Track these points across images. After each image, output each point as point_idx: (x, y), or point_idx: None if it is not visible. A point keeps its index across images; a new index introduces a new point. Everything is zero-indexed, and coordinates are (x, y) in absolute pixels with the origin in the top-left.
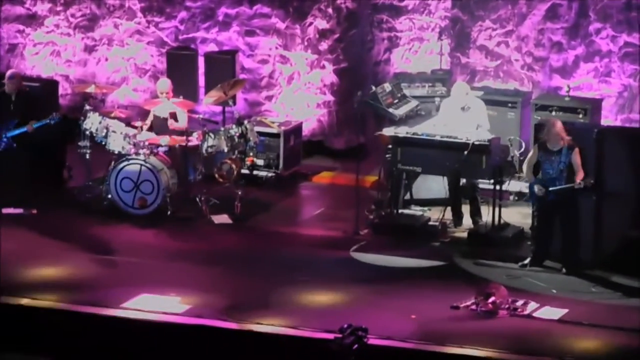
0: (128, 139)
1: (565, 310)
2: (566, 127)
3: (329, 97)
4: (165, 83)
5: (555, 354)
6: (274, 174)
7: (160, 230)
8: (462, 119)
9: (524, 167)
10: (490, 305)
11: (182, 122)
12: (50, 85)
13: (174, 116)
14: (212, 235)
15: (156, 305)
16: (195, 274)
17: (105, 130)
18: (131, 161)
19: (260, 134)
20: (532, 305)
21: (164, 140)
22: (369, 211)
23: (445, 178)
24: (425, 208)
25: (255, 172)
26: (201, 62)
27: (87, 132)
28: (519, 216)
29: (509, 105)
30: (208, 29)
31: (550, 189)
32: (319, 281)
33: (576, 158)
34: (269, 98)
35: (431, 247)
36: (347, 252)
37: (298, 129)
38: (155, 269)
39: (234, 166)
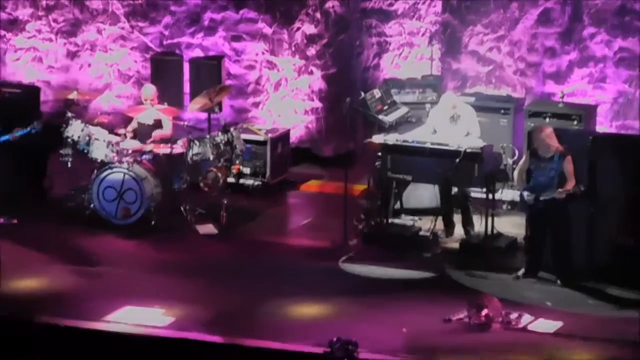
0: (111, 146)
1: (560, 323)
2: (557, 134)
3: (317, 104)
4: (149, 89)
5: None
6: (260, 183)
7: (144, 241)
8: (451, 128)
9: (515, 174)
10: (483, 318)
11: (167, 130)
12: (31, 92)
13: (158, 123)
14: (197, 246)
15: (140, 318)
16: (180, 286)
17: (87, 138)
18: (114, 169)
19: (246, 141)
20: (527, 317)
21: (148, 148)
22: (358, 221)
23: (437, 186)
24: (416, 218)
25: (241, 181)
26: (186, 68)
27: (69, 140)
28: (512, 226)
29: (502, 111)
30: (193, 34)
31: (541, 197)
32: (307, 293)
33: (568, 166)
34: (256, 104)
35: (422, 258)
36: (336, 263)
37: (285, 136)
38: (138, 280)
39: (219, 174)
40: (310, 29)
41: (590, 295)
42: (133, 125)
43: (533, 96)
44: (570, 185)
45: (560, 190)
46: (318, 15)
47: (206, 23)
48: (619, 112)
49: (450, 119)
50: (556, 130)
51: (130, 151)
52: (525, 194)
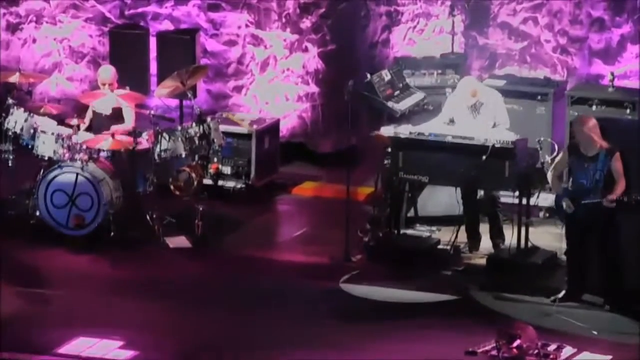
0: (61, 141)
1: (609, 357)
2: (605, 126)
3: (313, 88)
4: (107, 71)
5: None
6: (244, 185)
7: (101, 256)
8: (472, 119)
9: (549, 175)
10: (514, 350)
11: (129, 120)
12: None
13: (118, 112)
14: (166, 263)
15: (95, 351)
16: (145, 312)
17: (32, 130)
18: (65, 169)
19: (226, 134)
20: (568, 350)
21: (106, 142)
22: (363, 232)
23: (459, 190)
24: (434, 227)
25: (220, 183)
26: (153, 43)
27: (10, 133)
28: (550, 238)
29: (539, 97)
30: (161, 3)
31: (583, 202)
32: (300, 320)
33: (617, 165)
34: (238, 89)
35: (441, 276)
36: (336, 283)
37: (274, 128)
38: (94, 305)
39: (193, 175)
40: None
41: None
42: (88, 114)
43: (577, 79)
44: (620, 189)
45: (609, 197)
46: None
47: None
48: None
49: (471, 108)
50: (605, 120)
51: (84, 147)
52: (564, 201)
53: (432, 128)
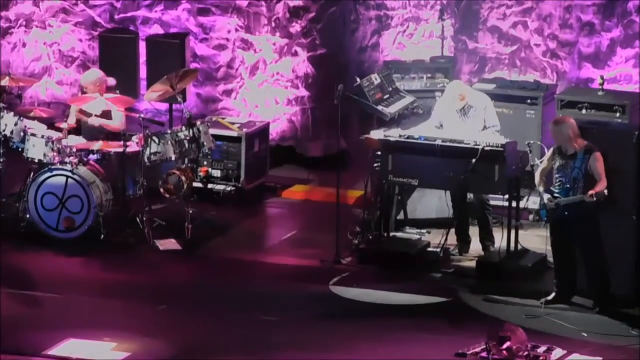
0: (51, 144)
1: (599, 359)
2: (589, 129)
3: (303, 92)
4: (92, 75)
5: None
6: (233, 188)
7: (92, 259)
8: (461, 122)
9: (536, 174)
10: (504, 352)
11: (117, 120)
12: None
13: (107, 115)
14: (156, 265)
15: (86, 353)
16: (135, 314)
17: (22, 134)
18: (55, 172)
19: (216, 137)
20: (558, 352)
21: (97, 145)
22: (353, 234)
23: (448, 193)
24: (423, 230)
25: (210, 186)
26: (142, 47)
27: (0, 136)
28: (540, 240)
29: (528, 101)
30: (151, 7)
31: (562, 201)
32: (290, 323)
33: (596, 164)
34: (228, 93)
35: (431, 279)
36: (326, 286)
37: (264, 131)
38: (84, 307)
39: (183, 178)
40: (294, 0)
41: (633, 325)
42: (71, 116)
43: (567, 82)
44: (600, 187)
45: (590, 192)
46: None
47: None
48: None
49: (460, 112)
50: (594, 124)
51: (74, 150)
52: (545, 197)
53: (421, 132)
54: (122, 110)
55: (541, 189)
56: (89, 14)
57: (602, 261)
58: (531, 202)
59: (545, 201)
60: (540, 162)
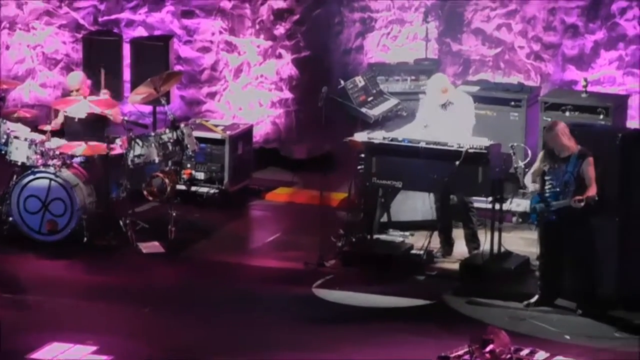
0: (34, 146)
1: None
2: (573, 131)
3: (287, 94)
4: (74, 78)
5: None
6: (217, 191)
7: (75, 262)
8: (442, 119)
9: (527, 178)
10: (487, 355)
11: (117, 115)
12: None
13: (92, 118)
14: (139, 268)
15: (69, 356)
16: (118, 317)
17: (5, 136)
18: (38, 175)
19: (200, 140)
20: (541, 354)
21: (80, 148)
22: (337, 237)
23: (432, 195)
24: (407, 233)
25: (193, 188)
26: (126, 50)
27: None
28: (523, 243)
29: (512, 103)
30: (135, 9)
31: (553, 205)
32: (274, 325)
33: (588, 169)
34: (212, 95)
35: (414, 281)
36: (309, 288)
37: (248, 134)
38: (67, 310)
39: (167, 181)
40: (278, 2)
41: (617, 327)
42: (58, 119)
43: (550, 85)
44: (592, 192)
45: (577, 197)
46: None
47: None
48: None
49: (442, 107)
50: (578, 126)
51: (57, 152)
52: (536, 202)
53: (406, 133)
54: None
55: (532, 188)
56: (73, 16)
57: (589, 264)
58: (514, 204)
59: (537, 207)
60: (526, 167)
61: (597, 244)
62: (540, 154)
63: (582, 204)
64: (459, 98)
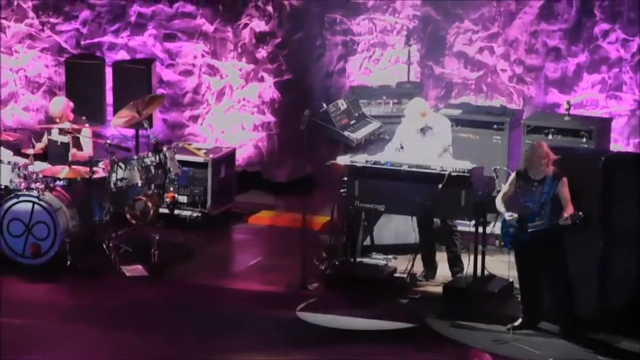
0: (17, 170)
1: None
2: (556, 153)
3: (269, 117)
4: (57, 105)
5: None
6: (200, 214)
7: (58, 285)
8: (422, 143)
9: (498, 199)
10: None
11: (87, 149)
12: None
13: (75, 141)
14: (122, 291)
15: None
16: (101, 341)
17: None
18: (21, 198)
19: (182, 163)
20: None
21: (63, 172)
22: (319, 260)
23: (415, 218)
24: (390, 256)
25: (176, 212)
26: (109, 73)
27: None
28: (505, 266)
29: (495, 126)
30: (117, 32)
31: (529, 228)
32: (257, 349)
33: (563, 190)
34: (194, 119)
35: (397, 304)
36: (293, 312)
37: (230, 157)
38: (51, 333)
39: (150, 204)
40: (260, 25)
41: (599, 351)
42: (42, 141)
43: (533, 108)
44: (569, 211)
45: (565, 215)
46: (270, 8)
47: (133, 19)
48: (637, 126)
49: (420, 132)
50: (561, 149)
51: (40, 176)
52: (507, 215)
53: (384, 155)
54: (90, 137)
55: (503, 210)
56: (55, 39)
57: (567, 286)
58: (497, 227)
59: (510, 229)
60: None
61: (579, 265)
62: (512, 177)
63: (570, 222)
64: (438, 122)
